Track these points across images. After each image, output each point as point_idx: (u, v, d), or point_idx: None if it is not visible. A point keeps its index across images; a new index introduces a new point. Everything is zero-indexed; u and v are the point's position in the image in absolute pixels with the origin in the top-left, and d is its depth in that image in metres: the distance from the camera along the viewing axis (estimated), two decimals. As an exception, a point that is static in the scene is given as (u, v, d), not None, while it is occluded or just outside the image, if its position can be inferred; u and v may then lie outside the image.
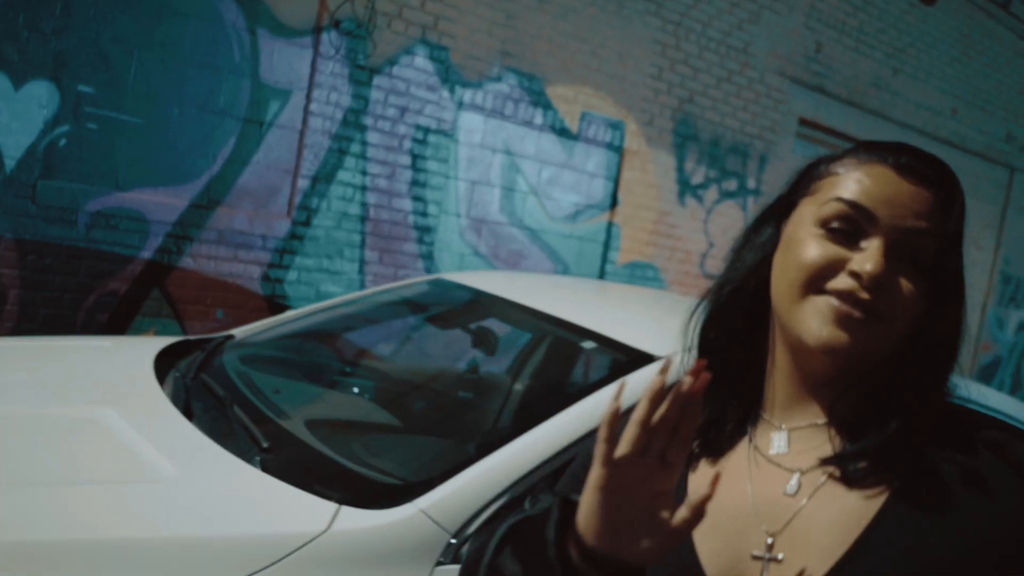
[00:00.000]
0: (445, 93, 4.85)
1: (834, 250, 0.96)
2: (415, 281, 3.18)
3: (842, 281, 0.94)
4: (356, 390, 2.91)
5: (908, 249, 0.95)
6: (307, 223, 4.51)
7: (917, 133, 7.82)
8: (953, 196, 0.98)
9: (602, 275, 5.74)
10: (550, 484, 1.83)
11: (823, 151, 7.29)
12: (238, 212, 4.31)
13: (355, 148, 4.61)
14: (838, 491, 0.95)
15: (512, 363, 3.08)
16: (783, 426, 1.01)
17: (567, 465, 1.79)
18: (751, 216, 1.34)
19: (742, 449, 1.01)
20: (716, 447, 1.02)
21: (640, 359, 2.17)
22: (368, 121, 4.62)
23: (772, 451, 0.99)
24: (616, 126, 5.65)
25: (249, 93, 4.25)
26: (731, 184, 6.42)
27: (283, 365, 2.83)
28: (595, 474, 0.84)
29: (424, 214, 4.89)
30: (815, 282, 0.96)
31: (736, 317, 1.04)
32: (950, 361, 0.98)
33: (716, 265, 6.47)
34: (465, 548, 1.81)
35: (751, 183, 6.56)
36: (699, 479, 1.01)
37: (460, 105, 4.92)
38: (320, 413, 2.59)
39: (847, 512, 0.94)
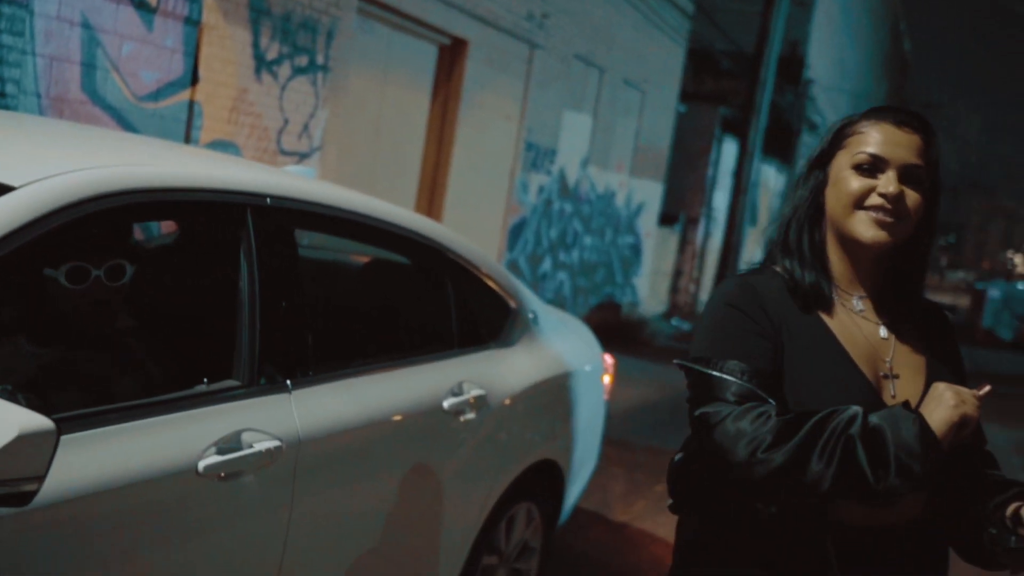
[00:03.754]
0: (16, -42, 4.61)
1: (866, 182, 1.69)
2: None
3: (874, 199, 1.68)
4: None
5: (909, 175, 1.69)
6: None
7: (459, 11, 8.69)
8: (931, 137, 1.73)
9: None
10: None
11: (382, 27, 7.86)
12: None
13: (-81, 19, 4.27)
14: (905, 331, 1.78)
15: None
16: (855, 294, 1.76)
17: None
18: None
19: (839, 308, 1.75)
20: (824, 304, 1.74)
21: None
22: (-69, -12, 4.29)
23: (856, 309, 1.76)
24: (193, -1, 5.71)
25: None
26: (303, 60, 6.78)
27: None
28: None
29: (1, 94, 4.67)
30: (858, 202, 1.69)
31: (802, 229, 1.77)
32: (932, 243, 1.78)
33: (291, 142, 6.85)
34: None
35: (320, 59, 6.96)
36: (837, 325, 1.75)
37: (33, -28, 4.71)
38: None
39: (915, 345, 1.80)
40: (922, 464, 1.55)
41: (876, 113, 1.76)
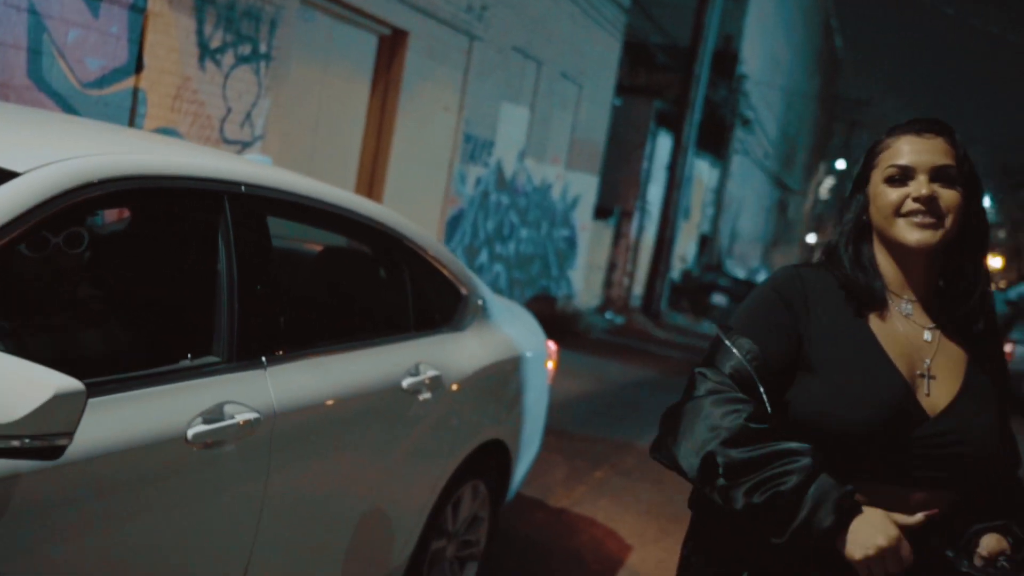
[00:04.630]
0: (-36, -57, 4.68)
1: (900, 191, 1.85)
2: None
3: (910, 205, 1.83)
4: None
5: (940, 175, 1.84)
6: None
7: (400, 1, 8.85)
8: (952, 137, 1.87)
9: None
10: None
11: (324, 17, 7.99)
12: None
13: None
14: (951, 335, 1.90)
15: None
16: (904, 296, 1.89)
17: None
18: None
19: (886, 308, 1.88)
20: (872, 304, 1.88)
21: None
22: None
23: (904, 312, 1.89)
24: (139, -14, 5.81)
25: None
26: (246, 48, 6.89)
27: None
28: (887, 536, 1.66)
29: (-52, 79, 4.74)
30: (897, 210, 1.84)
31: (850, 243, 1.91)
32: (984, 239, 1.88)
33: (234, 131, 6.96)
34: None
35: (263, 48, 7.09)
36: (878, 323, 1.87)
37: (-19, -43, 4.78)
38: None
39: (956, 350, 1.88)
40: (804, 545, 1.67)
41: (897, 129, 1.91)
